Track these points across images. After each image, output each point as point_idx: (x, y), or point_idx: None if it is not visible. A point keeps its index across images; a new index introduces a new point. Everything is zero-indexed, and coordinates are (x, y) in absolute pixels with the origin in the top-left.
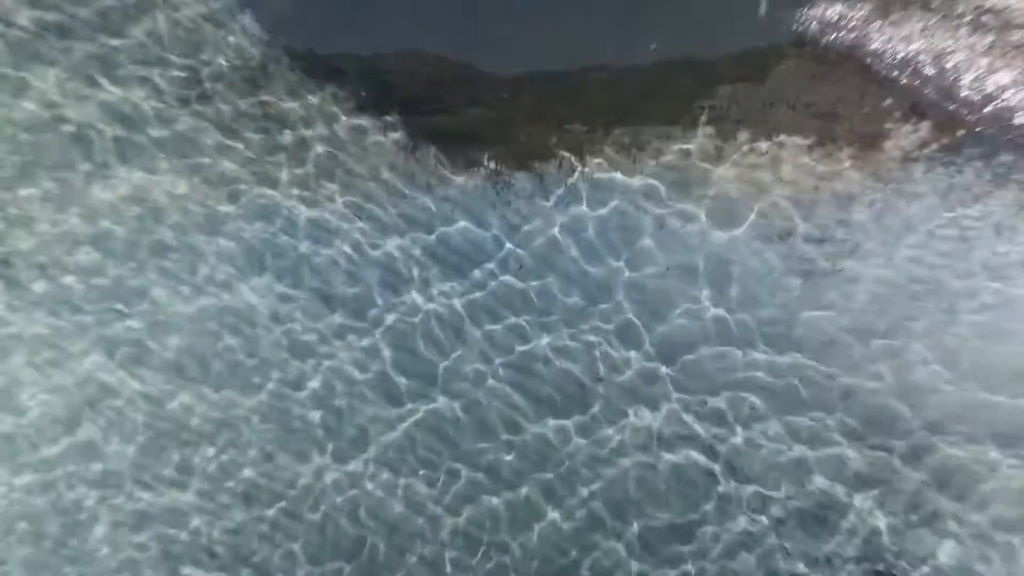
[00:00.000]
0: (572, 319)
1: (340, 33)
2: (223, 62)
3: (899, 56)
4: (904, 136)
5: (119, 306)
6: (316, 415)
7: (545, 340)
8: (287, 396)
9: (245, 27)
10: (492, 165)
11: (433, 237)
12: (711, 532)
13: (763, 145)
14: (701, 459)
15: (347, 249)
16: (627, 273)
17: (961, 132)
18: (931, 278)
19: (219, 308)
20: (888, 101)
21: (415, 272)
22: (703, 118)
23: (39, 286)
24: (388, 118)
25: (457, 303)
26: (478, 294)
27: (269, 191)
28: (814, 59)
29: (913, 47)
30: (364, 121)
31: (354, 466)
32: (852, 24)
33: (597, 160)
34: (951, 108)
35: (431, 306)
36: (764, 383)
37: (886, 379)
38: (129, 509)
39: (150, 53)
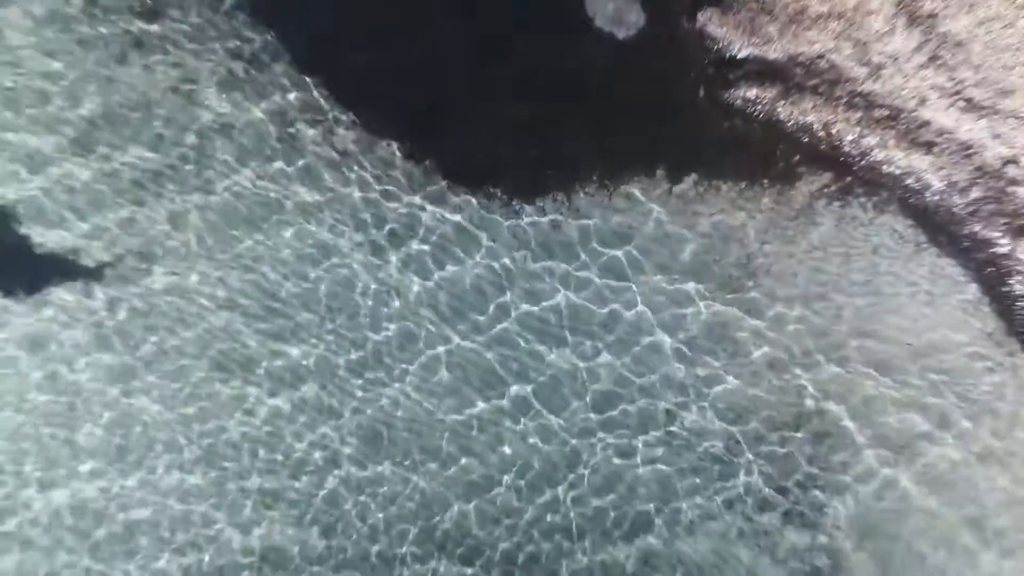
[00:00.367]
0: None
1: None
2: None
3: (800, 123)
4: (809, 181)
5: None
6: None
7: None
8: None
9: None
10: None
11: None
12: None
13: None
14: None
15: None
16: None
17: (848, 178)
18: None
19: None
20: (796, 156)
21: None
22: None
23: None
24: None
25: None
26: None
27: None
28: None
29: (808, 118)
30: None
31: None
32: (765, 101)
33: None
34: (839, 160)
35: None
36: None
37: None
38: None
39: None
